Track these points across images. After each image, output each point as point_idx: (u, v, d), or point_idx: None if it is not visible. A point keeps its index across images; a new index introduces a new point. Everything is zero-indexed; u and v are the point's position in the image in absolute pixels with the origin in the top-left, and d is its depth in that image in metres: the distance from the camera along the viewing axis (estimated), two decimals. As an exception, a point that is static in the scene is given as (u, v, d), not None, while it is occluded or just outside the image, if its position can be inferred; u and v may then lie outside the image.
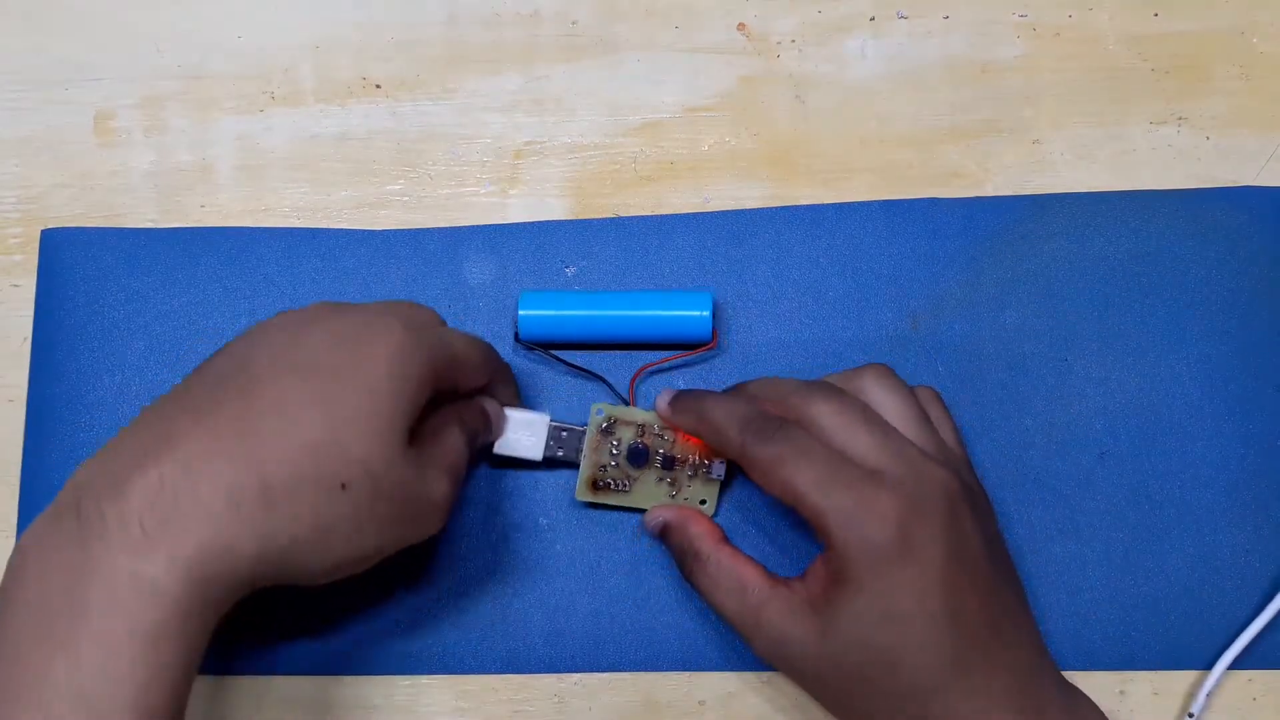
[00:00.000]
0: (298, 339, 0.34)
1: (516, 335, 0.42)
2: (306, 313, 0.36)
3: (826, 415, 0.36)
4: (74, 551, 0.29)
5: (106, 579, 0.29)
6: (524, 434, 0.40)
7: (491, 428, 0.40)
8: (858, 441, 0.36)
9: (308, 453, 0.32)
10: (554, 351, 0.42)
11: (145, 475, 0.30)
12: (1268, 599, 0.40)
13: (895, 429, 0.36)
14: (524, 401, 0.42)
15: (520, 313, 0.41)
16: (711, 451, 0.40)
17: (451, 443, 0.37)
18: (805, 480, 0.35)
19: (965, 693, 0.34)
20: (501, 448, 0.40)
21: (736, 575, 0.37)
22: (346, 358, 0.34)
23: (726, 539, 0.38)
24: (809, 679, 0.36)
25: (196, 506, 0.30)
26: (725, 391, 0.40)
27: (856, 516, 0.34)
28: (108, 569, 0.29)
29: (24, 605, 0.29)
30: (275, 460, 0.31)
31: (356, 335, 0.34)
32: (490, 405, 0.40)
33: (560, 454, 0.40)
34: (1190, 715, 0.39)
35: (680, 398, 0.39)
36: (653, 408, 0.40)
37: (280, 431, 0.32)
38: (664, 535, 0.39)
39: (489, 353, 0.39)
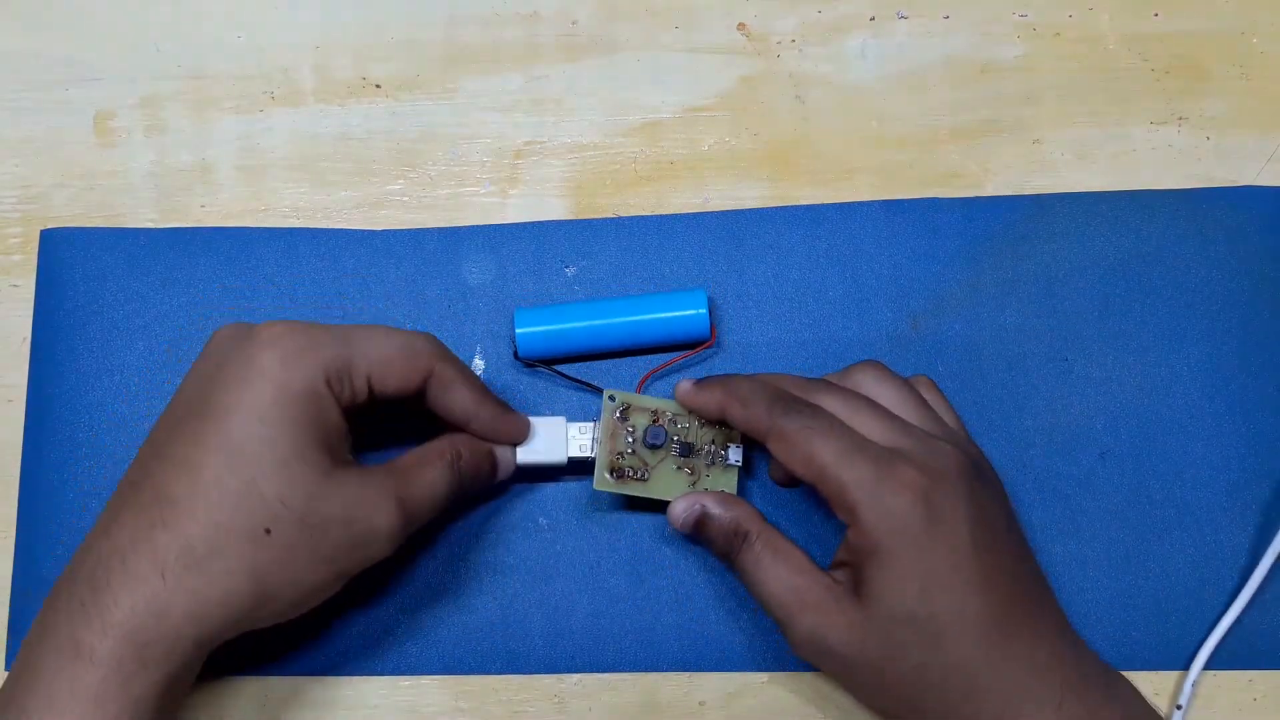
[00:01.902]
0: (195, 382, 0.35)
1: (515, 353, 0.42)
2: (208, 347, 0.36)
3: (831, 407, 0.36)
4: (37, 626, 0.33)
5: (52, 646, 0.32)
6: (544, 440, 0.40)
7: (497, 471, 0.39)
8: (866, 427, 0.36)
9: (222, 504, 0.32)
10: (555, 366, 0.42)
11: (89, 556, 0.33)
12: (1270, 597, 0.40)
13: (898, 416, 0.37)
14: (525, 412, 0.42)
15: (517, 330, 0.41)
16: (728, 437, 0.40)
17: (423, 475, 0.36)
18: (829, 452, 0.35)
19: (1012, 661, 0.34)
20: (524, 456, 0.39)
21: (784, 554, 0.36)
22: (234, 392, 0.33)
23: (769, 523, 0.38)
24: (850, 666, 0.35)
25: (126, 578, 0.32)
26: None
27: (880, 487, 0.34)
28: (53, 637, 0.32)
29: (10, 675, 0.33)
30: (193, 519, 0.32)
31: (237, 364, 0.34)
32: (502, 452, 0.39)
33: (582, 452, 0.40)
34: (1179, 707, 0.39)
35: (703, 380, 0.39)
36: (670, 397, 0.40)
37: (191, 488, 0.33)
38: (703, 522, 0.38)
39: (418, 346, 0.36)
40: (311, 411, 0.34)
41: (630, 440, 0.39)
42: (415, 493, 0.36)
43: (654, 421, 0.40)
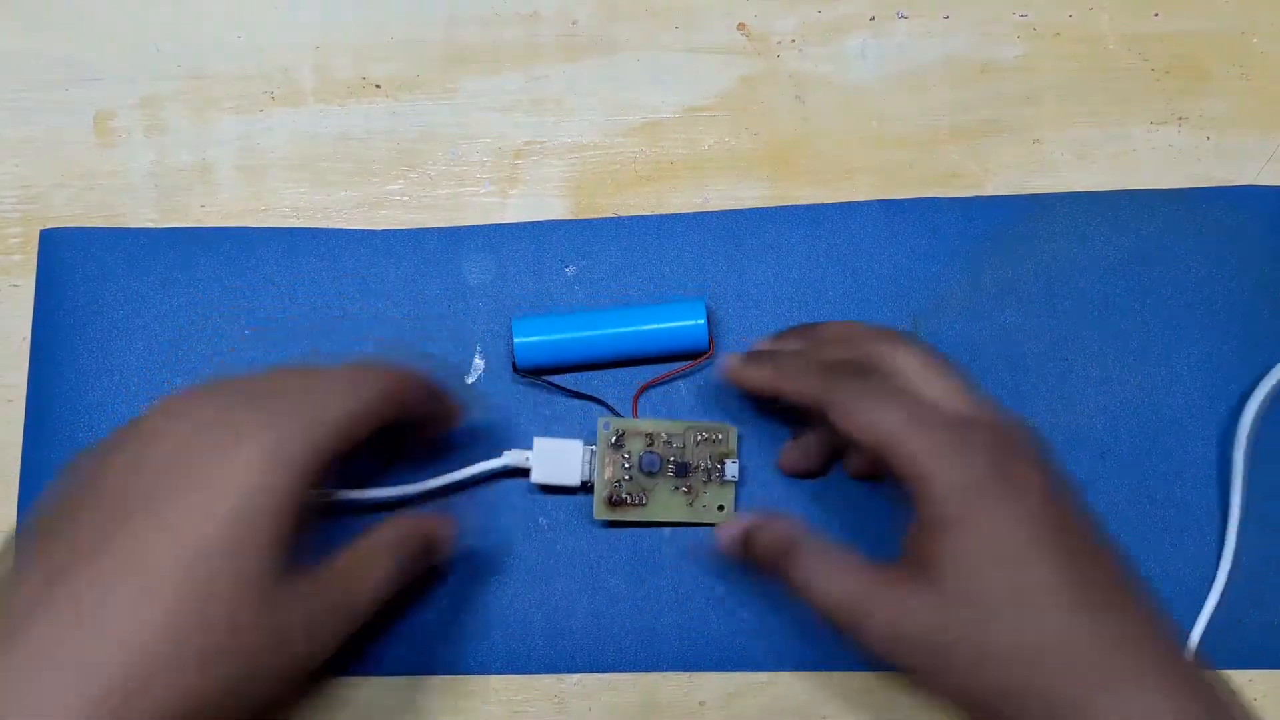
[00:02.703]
0: (149, 454, 0.31)
1: (514, 365, 0.42)
2: (154, 423, 0.32)
3: (908, 360, 0.35)
4: None
5: None
6: (561, 461, 0.40)
7: (437, 553, 0.37)
8: (938, 389, 0.35)
9: (166, 629, 0.29)
10: (553, 378, 0.42)
11: None
12: (1270, 596, 0.40)
13: (966, 380, 0.36)
14: (523, 426, 0.42)
15: (516, 340, 0.41)
16: (723, 453, 0.40)
17: (366, 579, 0.34)
18: (894, 420, 0.33)
19: (1110, 644, 0.31)
20: (539, 477, 0.40)
21: (840, 558, 0.34)
22: (195, 480, 0.30)
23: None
24: (934, 653, 0.32)
25: (47, 707, 0.27)
26: (795, 330, 0.40)
27: (951, 452, 0.32)
28: None
29: None
30: (130, 646, 0.28)
31: (204, 446, 0.30)
32: (444, 526, 0.37)
33: (591, 476, 0.40)
34: None
35: (751, 355, 0.38)
36: (666, 415, 0.40)
37: (135, 605, 0.29)
38: (750, 540, 0.36)
39: (376, 388, 0.34)
40: (280, 520, 0.30)
41: (626, 467, 0.40)
42: (360, 600, 0.34)
43: (649, 446, 0.40)
